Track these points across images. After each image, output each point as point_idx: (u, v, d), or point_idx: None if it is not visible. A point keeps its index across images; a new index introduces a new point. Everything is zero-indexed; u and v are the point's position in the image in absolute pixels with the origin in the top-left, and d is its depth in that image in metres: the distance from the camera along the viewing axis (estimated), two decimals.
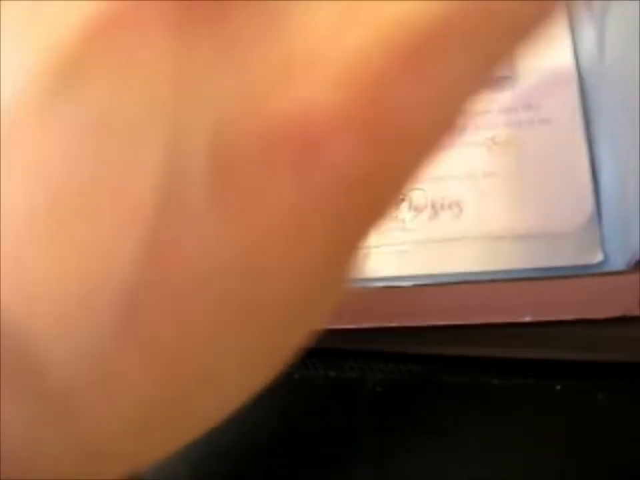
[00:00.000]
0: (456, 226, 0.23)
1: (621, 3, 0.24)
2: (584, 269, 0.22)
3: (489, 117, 0.24)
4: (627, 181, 0.22)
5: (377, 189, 0.10)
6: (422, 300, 0.23)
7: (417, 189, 0.24)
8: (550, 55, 0.25)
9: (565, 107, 0.24)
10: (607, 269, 0.22)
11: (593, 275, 0.22)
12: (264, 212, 0.09)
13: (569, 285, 0.22)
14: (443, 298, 0.23)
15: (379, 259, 0.23)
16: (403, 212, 0.24)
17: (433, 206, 0.24)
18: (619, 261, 0.22)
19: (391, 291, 0.23)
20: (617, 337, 0.22)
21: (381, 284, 0.23)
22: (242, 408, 0.11)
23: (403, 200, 0.24)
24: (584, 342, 0.22)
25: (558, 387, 0.23)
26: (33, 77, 0.09)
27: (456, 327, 0.23)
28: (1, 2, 0.10)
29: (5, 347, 0.09)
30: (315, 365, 0.24)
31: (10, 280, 0.09)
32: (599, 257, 0.22)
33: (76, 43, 0.09)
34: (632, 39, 0.23)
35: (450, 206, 0.24)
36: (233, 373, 0.10)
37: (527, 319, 0.23)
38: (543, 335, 0.22)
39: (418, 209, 0.24)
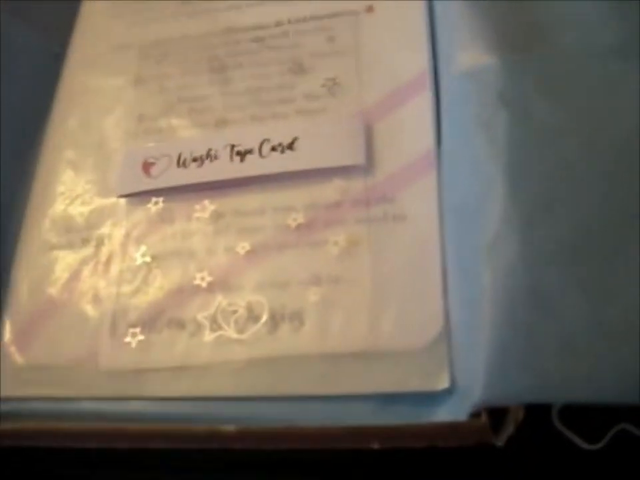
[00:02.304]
0: (296, 341, 0.21)
1: None
2: (427, 400, 0.20)
3: (338, 211, 0.22)
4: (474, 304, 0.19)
5: None
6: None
7: (255, 297, 0.21)
8: (409, 140, 0.22)
9: (422, 202, 0.21)
10: (452, 402, 0.19)
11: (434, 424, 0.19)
12: None
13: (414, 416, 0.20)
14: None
15: (212, 376, 0.21)
16: (239, 323, 0.21)
17: (272, 317, 0.21)
18: (467, 389, 0.19)
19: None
20: None
21: (209, 411, 0.21)
22: None
23: (236, 311, 0.21)
24: None
25: None
26: None
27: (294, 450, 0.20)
28: None
29: None
30: None
31: None
32: (444, 383, 0.20)
33: None
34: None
35: (290, 317, 0.21)
36: None
37: (375, 446, 0.20)
38: None
39: (255, 320, 0.21)
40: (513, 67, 0.20)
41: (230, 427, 0.19)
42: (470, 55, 0.21)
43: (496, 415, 0.18)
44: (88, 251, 0.23)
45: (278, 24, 0.26)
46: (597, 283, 0.18)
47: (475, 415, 0.18)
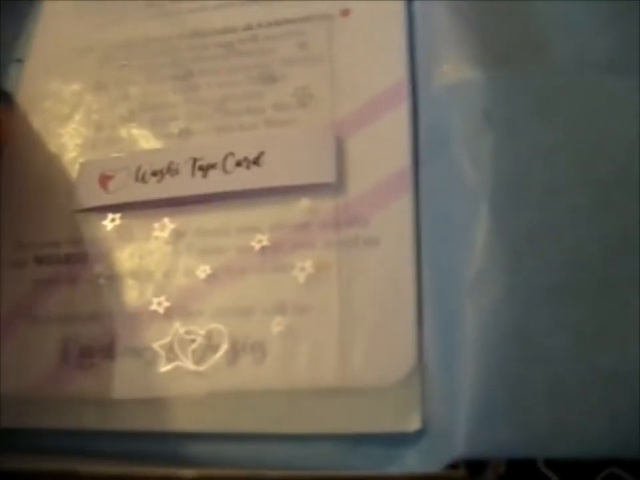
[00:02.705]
0: (258, 374, 0.19)
1: None
2: (398, 441, 0.18)
3: (306, 234, 0.20)
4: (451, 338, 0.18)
5: None
6: None
7: (215, 325, 0.20)
8: (384, 157, 0.20)
9: (397, 225, 0.20)
10: (424, 444, 0.18)
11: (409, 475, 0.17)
12: None
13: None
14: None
15: (169, 410, 0.20)
16: (197, 353, 0.20)
17: (233, 347, 0.20)
18: (443, 433, 0.17)
19: None
20: None
21: (166, 448, 0.19)
22: None
23: (195, 339, 0.20)
24: None
25: None
26: None
27: None
28: None
29: None
30: None
31: None
32: (416, 424, 0.18)
33: None
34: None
35: (252, 348, 0.19)
36: None
37: None
38: None
39: (214, 350, 0.20)
40: (500, 82, 0.19)
41: (189, 472, 0.18)
42: (453, 67, 0.20)
43: (475, 464, 0.17)
44: (40, 270, 0.22)
45: (247, 28, 0.24)
46: (589, 324, 0.16)
47: (453, 465, 0.16)
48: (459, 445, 0.16)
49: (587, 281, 0.16)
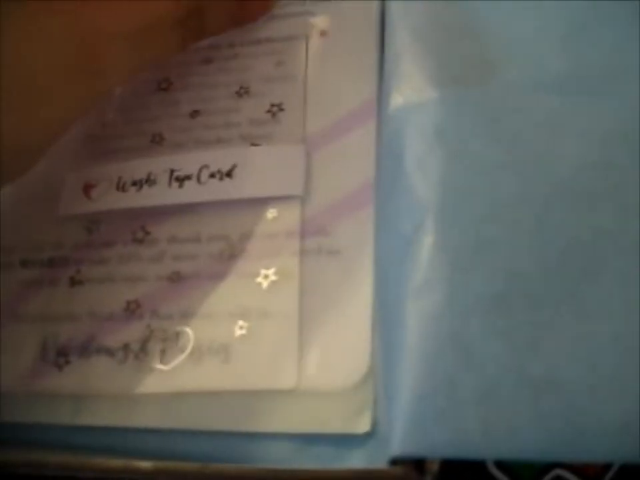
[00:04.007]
0: (220, 375, 0.20)
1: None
2: (348, 442, 0.19)
3: (272, 243, 0.21)
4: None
5: None
6: None
7: (182, 327, 0.21)
8: (349, 172, 0.21)
9: (357, 236, 0.21)
10: (372, 445, 0.19)
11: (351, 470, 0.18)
12: None
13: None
14: None
15: (137, 407, 0.21)
16: (165, 354, 0.21)
17: (198, 348, 0.21)
18: (386, 434, 0.18)
19: None
20: None
21: (132, 444, 0.20)
22: None
23: (163, 340, 0.21)
24: None
25: None
26: None
27: None
28: None
29: None
30: None
31: None
32: (365, 427, 0.19)
33: None
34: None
35: (217, 350, 0.21)
36: None
37: None
38: None
39: (181, 351, 0.21)
40: (452, 102, 0.20)
41: (146, 463, 0.19)
42: (409, 87, 0.21)
43: (419, 462, 0.18)
44: (25, 272, 0.23)
45: (230, 45, 0.25)
46: (521, 333, 0.17)
47: (394, 462, 0.17)
48: (396, 443, 0.16)
49: (523, 294, 0.17)
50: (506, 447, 0.16)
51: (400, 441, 0.16)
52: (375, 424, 0.19)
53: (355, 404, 0.19)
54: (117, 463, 0.19)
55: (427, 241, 0.18)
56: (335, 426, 0.19)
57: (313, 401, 0.19)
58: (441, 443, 0.16)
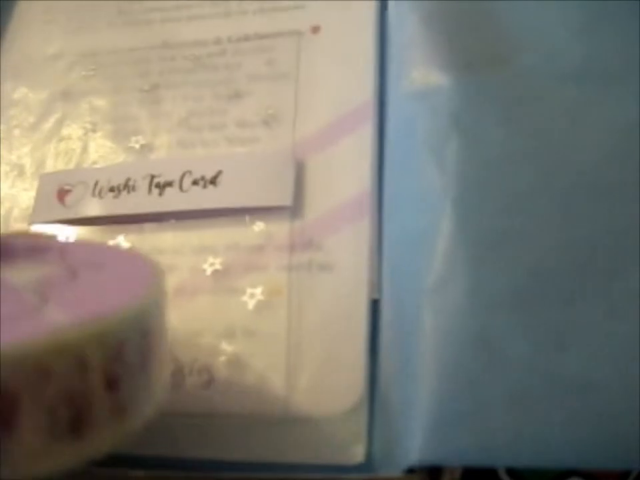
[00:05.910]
0: (203, 398, 0.19)
1: None
2: (341, 471, 0.18)
3: (259, 257, 0.20)
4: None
5: None
6: None
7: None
8: (343, 180, 0.20)
9: (352, 251, 0.19)
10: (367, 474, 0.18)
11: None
12: None
13: None
14: None
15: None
16: None
17: (180, 370, 0.19)
18: (403, 449, 0.17)
19: None
20: None
21: None
22: None
23: None
24: None
25: None
26: None
27: None
28: None
29: None
30: None
31: None
32: (359, 457, 0.18)
33: None
34: None
35: (199, 372, 0.19)
36: None
37: None
38: None
39: None
40: (468, 88, 0.19)
41: (138, 473, 0.18)
42: (422, 73, 0.19)
43: (435, 470, 0.16)
44: None
45: (217, 42, 0.24)
46: (550, 330, 0.16)
47: (410, 470, 0.16)
48: (414, 451, 0.15)
49: (550, 289, 0.16)
50: (534, 454, 0.15)
51: (419, 447, 0.15)
52: (369, 454, 0.17)
53: (348, 432, 0.18)
54: (107, 472, 0.18)
55: (445, 230, 0.17)
56: (326, 457, 0.18)
57: (301, 429, 0.18)
58: (463, 449, 0.15)
